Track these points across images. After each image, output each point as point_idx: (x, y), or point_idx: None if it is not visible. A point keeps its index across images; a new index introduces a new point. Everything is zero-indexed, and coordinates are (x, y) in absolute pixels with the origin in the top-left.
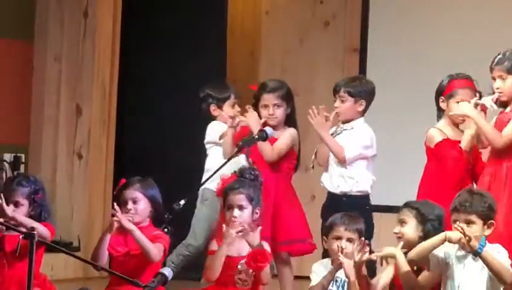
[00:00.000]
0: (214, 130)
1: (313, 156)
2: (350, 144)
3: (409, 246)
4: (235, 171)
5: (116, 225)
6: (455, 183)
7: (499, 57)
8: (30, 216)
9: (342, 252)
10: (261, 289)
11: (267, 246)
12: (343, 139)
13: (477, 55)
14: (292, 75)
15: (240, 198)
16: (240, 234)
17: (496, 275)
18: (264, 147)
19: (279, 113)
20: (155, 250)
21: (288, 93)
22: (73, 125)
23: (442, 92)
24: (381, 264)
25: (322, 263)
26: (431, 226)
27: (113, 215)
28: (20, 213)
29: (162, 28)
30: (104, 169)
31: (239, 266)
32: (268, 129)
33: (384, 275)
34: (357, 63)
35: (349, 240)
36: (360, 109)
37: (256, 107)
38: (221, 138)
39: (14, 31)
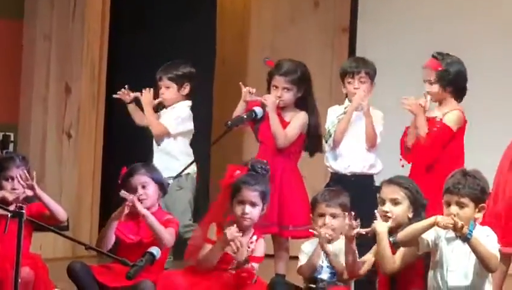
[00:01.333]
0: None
1: (331, 134)
2: (377, 129)
3: (396, 226)
4: (245, 164)
5: (126, 210)
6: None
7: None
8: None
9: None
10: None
11: (261, 245)
12: (360, 121)
13: (467, 36)
14: (282, 55)
15: (254, 195)
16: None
17: (482, 262)
18: (278, 132)
19: (287, 96)
20: (168, 236)
21: (302, 77)
22: (63, 105)
23: None
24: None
25: (311, 242)
26: (421, 209)
27: (122, 199)
28: (21, 189)
29: (152, 7)
30: (93, 148)
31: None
32: (257, 108)
33: (372, 254)
34: (347, 43)
35: (333, 215)
36: (372, 90)
37: (268, 85)
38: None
39: (3, 10)
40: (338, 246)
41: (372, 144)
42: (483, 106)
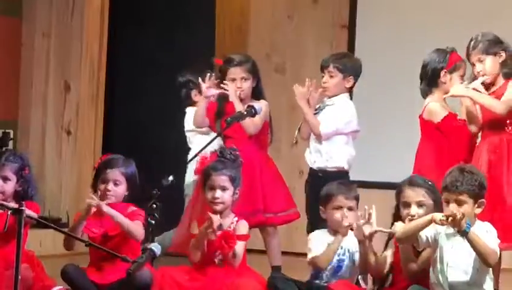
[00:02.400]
0: (192, 117)
1: (297, 131)
2: (327, 120)
3: None
4: (215, 150)
5: (93, 210)
6: (465, 156)
7: (472, 42)
8: (17, 192)
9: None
10: (237, 264)
11: (243, 225)
12: (324, 114)
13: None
14: (281, 51)
15: (223, 179)
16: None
17: (480, 256)
18: (246, 121)
19: (246, 86)
20: (138, 229)
21: (254, 66)
22: (62, 102)
23: (445, 66)
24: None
25: (320, 232)
26: (441, 206)
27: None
28: (8, 188)
29: (151, 3)
30: (93, 145)
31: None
32: (256, 105)
33: (390, 253)
34: (346, 40)
35: (350, 208)
36: (348, 85)
37: (221, 82)
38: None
39: (3, 7)
40: (349, 240)
41: (315, 134)
42: None
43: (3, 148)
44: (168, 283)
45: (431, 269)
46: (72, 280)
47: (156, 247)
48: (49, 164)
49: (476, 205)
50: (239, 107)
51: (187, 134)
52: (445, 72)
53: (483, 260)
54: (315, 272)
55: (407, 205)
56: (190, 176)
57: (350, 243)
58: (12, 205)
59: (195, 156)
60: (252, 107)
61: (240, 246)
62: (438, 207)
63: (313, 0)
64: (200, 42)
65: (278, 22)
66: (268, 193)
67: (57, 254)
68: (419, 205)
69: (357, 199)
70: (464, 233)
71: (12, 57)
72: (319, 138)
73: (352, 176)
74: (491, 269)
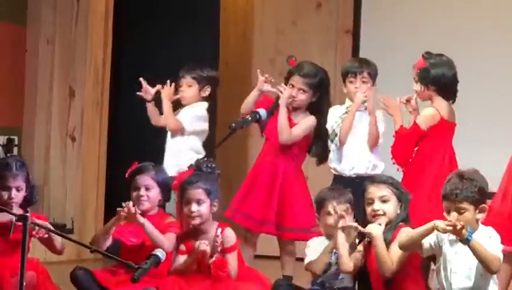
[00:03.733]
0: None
1: (336, 134)
2: (380, 129)
3: (386, 223)
4: (191, 165)
5: (123, 217)
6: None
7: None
8: (25, 198)
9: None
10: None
11: (230, 234)
12: (365, 121)
13: (470, 37)
14: (285, 57)
15: (198, 192)
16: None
17: (483, 264)
18: (284, 126)
19: (301, 98)
20: (167, 242)
21: (320, 82)
22: (67, 108)
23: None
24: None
25: (318, 239)
26: (407, 203)
27: (121, 206)
28: (20, 197)
29: (155, 9)
30: (97, 151)
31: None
32: (261, 110)
33: (354, 257)
34: (350, 45)
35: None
36: (375, 91)
37: (286, 83)
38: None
39: (7, 15)
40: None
41: (374, 144)
42: (486, 104)
43: (8, 155)
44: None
45: (435, 275)
46: (81, 284)
47: (160, 253)
48: (53, 170)
49: (478, 211)
50: (282, 113)
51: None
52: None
53: (486, 267)
54: (314, 278)
55: (371, 201)
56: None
57: None
58: (17, 211)
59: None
60: (257, 112)
61: (232, 258)
62: (402, 204)
63: (317, 6)
64: (205, 48)
65: (282, 27)
66: (285, 207)
67: (63, 261)
68: (383, 200)
69: (349, 202)
70: (465, 241)
71: (17, 64)
72: (376, 147)
73: None
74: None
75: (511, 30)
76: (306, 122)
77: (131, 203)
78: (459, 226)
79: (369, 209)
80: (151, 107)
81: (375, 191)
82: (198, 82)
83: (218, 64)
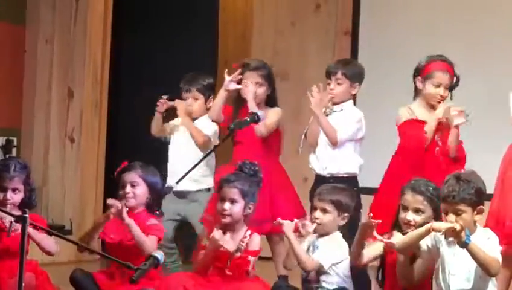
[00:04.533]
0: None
1: (303, 137)
2: (342, 126)
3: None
4: (236, 164)
5: (112, 216)
6: (411, 163)
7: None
8: (23, 201)
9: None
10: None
11: (256, 240)
12: (332, 120)
13: (469, 39)
14: (283, 58)
15: (234, 192)
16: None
17: (482, 267)
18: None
19: (261, 92)
20: (149, 243)
21: (270, 73)
22: (65, 109)
23: (420, 73)
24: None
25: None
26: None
27: (110, 206)
28: (17, 199)
29: (154, 10)
30: (96, 152)
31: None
32: (259, 112)
33: (372, 249)
34: (349, 47)
35: (323, 210)
36: (354, 92)
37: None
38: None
39: (6, 15)
40: (325, 243)
41: (331, 141)
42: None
43: (7, 156)
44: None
45: (433, 277)
46: (81, 286)
47: (159, 254)
48: (52, 171)
49: (475, 212)
50: (253, 109)
51: None
52: (419, 78)
53: (485, 270)
54: (305, 274)
55: (405, 208)
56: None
57: None
58: (15, 212)
59: (199, 163)
60: (255, 114)
61: (252, 262)
62: (437, 215)
63: (316, 7)
64: (204, 49)
65: (281, 29)
66: (276, 201)
67: (61, 262)
68: (417, 211)
69: (335, 202)
70: (463, 245)
71: (16, 64)
72: (335, 145)
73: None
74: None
75: (511, 32)
76: (275, 114)
77: (113, 201)
78: (458, 227)
79: (402, 216)
80: (158, 116)
81: (410, 201)
82: (203, 94)
83: (217, 65)
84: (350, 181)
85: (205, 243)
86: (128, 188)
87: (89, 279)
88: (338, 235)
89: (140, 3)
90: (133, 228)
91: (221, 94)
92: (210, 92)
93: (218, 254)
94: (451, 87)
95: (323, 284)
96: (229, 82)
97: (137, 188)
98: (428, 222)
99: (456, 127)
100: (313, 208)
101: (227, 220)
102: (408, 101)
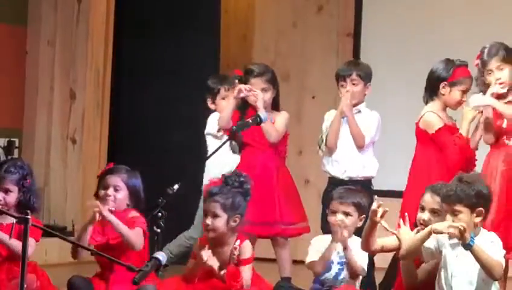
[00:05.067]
0: (213, 122)
1: (323, 140)
2: (364, 129)
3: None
4: (222, 175)
5: (98, 217)
6: (458, 170)
7: (488, 49)
8: (19, 201)
9: (337, 226)
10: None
11: (248, 247)
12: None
13: (471, 40)
14: (285, 59)
15: (214, 206)
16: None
17: (485, 269)
18: (269, 128)
19: (267, 97)
20: (136, 238)
21: (274, 76)
22: (67, 110)
23: (446, 79)
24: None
25: (322, 237)
26: None
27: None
28: (10, 200)
29: (155, 11)
30: (98, 153)
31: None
32: (262, 114)
33: (387, 240)
34: (351, 48)
35: (345, 213)
36: (367, 92)
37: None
38: (219, 130)
39: (8, 16)
40: (355, 244)
41: (358, 145)
42: None
43: (9, 157)
44: None
45: (436, 280)
46: None
47: (161, 256)
48: (54, 172)
49: (475, 215)
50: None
51: (206, 136)
52: (445, 84)
53: (488, 273)
54: (315, 277)
55: (423, 209)
56: (206, 179)
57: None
58: (17, 214)
59: (208, 157)
60: (258, 115)
61: (247, 270)
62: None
63: (318, 9)
64: (206, 51)
65: (282, 30)
66: (281, 204)
67: (63, 263)
68: (434, 212)
69: (356, 204)
70: (467, 247)
71: (17, 65)
72: (361, 148)
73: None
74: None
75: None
76: (283, 118)
77: (92, 202)
78: (460, 227)
79: (418, 215)
80: (233, 103)
81: (429, 202)
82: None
83: (218, 66)
84: (365, 184)
85: (196, 250)
86: (111, 191)
87: (87, 284)
88: (357, 238)
89: (142, 4)
90: (114, 223)
91: (232, 102)
92: None
93: (205, 269)
94: None
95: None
96: (241, 90)
97: (119, 193)
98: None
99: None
100: (332, 212)
101: (210, 235)
102: (408, 101)
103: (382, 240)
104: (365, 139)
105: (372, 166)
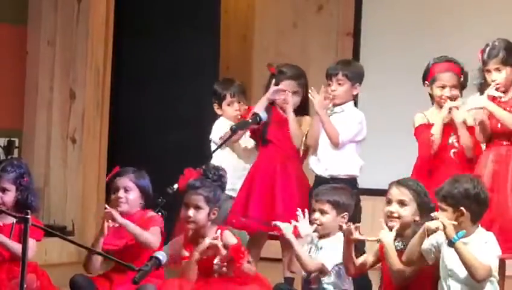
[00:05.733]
0: (217, 128)
1: (303, 138)
2: (344, 128)
3: (401, 229)
4: (201, 168)
5: (107, 226)
6: (427, 168)
7: (489, 48)
8: (17, 201)
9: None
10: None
11: (229, 235)
12: (333, 122)
13: (472, 39)
14: (285, 59)
15: (198, 198)
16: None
17: (467, 269)
18: (297, 132)
19: (296, 100)
20: (152, 237)
21: (306, 81)
22: (67, 110)
23: (426, 78)
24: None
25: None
26: (428, 213)
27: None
28: (7, 199)
29: (155, 11)
30: (98, 153)
31: (215, 267)
32: (262, 113)
33: (365, 256)
34: (351, 47)
35: (320, 211)
36: (355, 92)
37: (266, 89)
38: (221, 138)
39: (8, 16)
40: (328, 243)
41: (333, 143)
42: None
43: (9, 157)
44: None
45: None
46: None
47: (161, 255)
48: (54, 172)
49: (459, 213)
50: (292, 120)
51: (211, 143)
52: (427, 83)
53: (470, 273)
54: (306, 275)
55: (389, 201)
56: None
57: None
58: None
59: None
60: (257, 115)
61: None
62: (422, 212)
63: (318, 8)
64: (205, 51)
65: (282, 29)
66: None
67: (63, 263)
68: (401, 203)
69: (332, 203)
70: (450, 243)
71: (18, 65)
72: (336, 146)
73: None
74: (494, 278)
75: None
76: (308, 125)
77: (110, 209)
78: (442, 221)
79: (385, 209)
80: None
81: (395, 194)
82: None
83: (218, 67)
84: (349, 182)
85: (185, 254)
86: (121, 193)
87: (89, 283)
88: (341, 235)
89: (142, 4)
90: (129, 227)
91: (264, 102)
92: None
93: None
94: (462, 86)
95: (325, 285)
96: (276, 92)
97: (130, 193)
98: (412, 218)
99: (465, 125)
100: (312, 210)
101: (191, 226)
102: (409, 102)
103: (360, 258)
104: (340, 137)
105: (354, 164)
